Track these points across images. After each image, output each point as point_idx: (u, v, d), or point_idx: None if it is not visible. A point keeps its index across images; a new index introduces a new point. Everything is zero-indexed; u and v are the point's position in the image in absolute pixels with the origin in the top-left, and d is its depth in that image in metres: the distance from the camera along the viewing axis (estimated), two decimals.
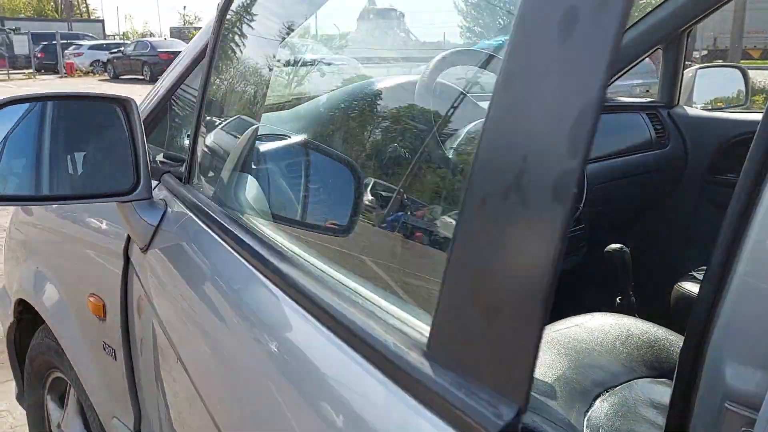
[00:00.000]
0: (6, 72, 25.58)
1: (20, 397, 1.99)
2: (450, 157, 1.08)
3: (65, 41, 27.44)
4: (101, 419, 1.40)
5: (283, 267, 0.79)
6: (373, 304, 0.68)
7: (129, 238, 1.24)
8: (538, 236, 0.45)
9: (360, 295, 0.71)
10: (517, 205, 0.46)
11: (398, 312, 0.66)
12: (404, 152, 1.05)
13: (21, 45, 28.47)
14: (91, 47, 27.76)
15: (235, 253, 0.90)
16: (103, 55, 26.43)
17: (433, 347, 0.54)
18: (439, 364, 0.53)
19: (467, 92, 1.23)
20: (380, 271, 0.87)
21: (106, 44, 29.07)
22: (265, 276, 0.81)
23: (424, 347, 0.55)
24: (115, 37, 49.93)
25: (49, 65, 26.45)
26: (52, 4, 61.84)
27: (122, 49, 25.55)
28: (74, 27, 38.83)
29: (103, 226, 1.38)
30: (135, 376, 1.26)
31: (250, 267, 0.85)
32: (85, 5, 62.89)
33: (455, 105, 1.19)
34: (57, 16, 54.03)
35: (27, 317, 1.81)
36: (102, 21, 46.83)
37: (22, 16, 49.68)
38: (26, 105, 1.16)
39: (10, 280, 1.87)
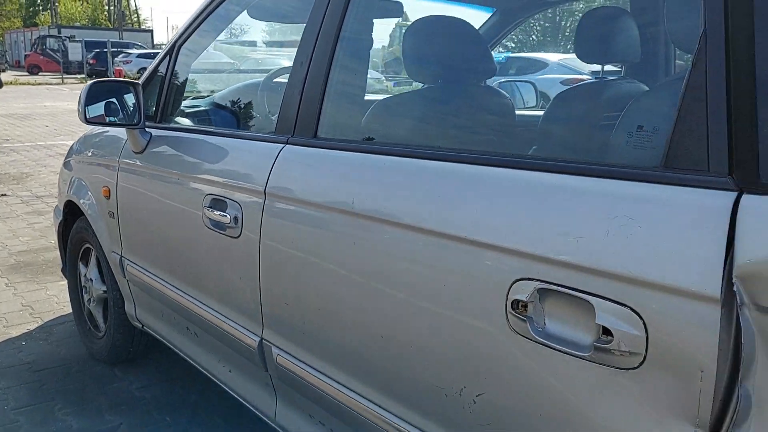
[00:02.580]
0: (60, 76, 27.61)
1: (64, 270, 3.16)
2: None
3: (116, 49, 29.36)
4: (105, 254, 2.56)
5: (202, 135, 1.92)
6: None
7: (119, 153, 2.38)
8: None
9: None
10: None
11: None
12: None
13: (75, 52, 30.58)
14: (140, 55, 29.62)
15: (177, 135, 2.04)
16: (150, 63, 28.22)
17: None
18: None
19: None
20: None
21: (154, 53, 30.97)
22: (195, 135, 1.95)
23: None
24: (163, 46, 52.05)
25: (100, 71, 28.36)
26: (105, 14, 64.88)
27: None
28: (125, 36, 41.01)
29: (106, 152, 2.53)
30: (121, 227, 2.41)
31: (188, 139, 1.99)
32: (136, 15, 65.85)
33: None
34: (110, 25, 56.73)
35: (70, 218, 2.98)
36: (151, 31, 49.21)
37: (78, 24, 52.42)
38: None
39: (61, 195, 3.04)
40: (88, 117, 2.24)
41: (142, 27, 62.77)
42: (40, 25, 50.49)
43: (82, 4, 64.69)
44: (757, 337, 0.83)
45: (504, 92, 1.83)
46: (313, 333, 1.54)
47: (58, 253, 3.23)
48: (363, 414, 1.42)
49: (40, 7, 66.47)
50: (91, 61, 29.50)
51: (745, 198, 0.85)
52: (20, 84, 25.18)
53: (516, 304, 1.06)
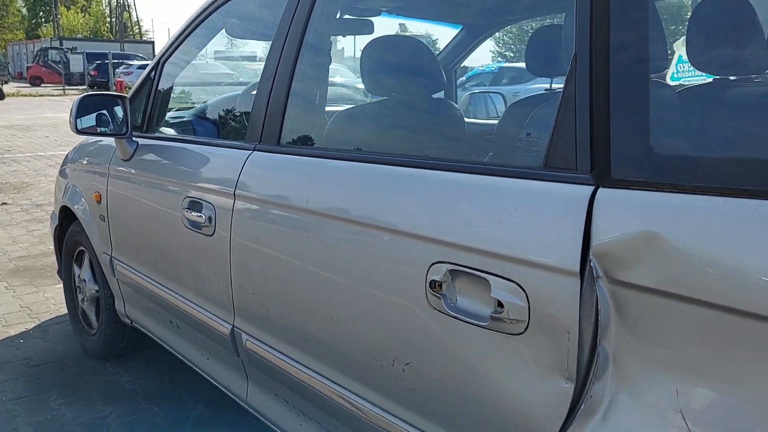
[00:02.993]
0: (62, 88, 27.90)
1: (59, 271, 3.36)
2: None
3: (117, 61, 29.66)
4: (97, 255, 2.75)
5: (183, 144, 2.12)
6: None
7: (109, 161, 2.58)
8: None
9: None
10: None
11: None
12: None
13: (76, 63, 30.92)
14: (140, 66, 29.89)
15: (161, 143, 2.24)
16: None
17: None
18: None
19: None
20: None
21: None
22: (177, 143, 2.15)
23: None
24: None
25: (101, 82, 28.65)
26: (107, 25, 65.44)
27: None
28: (126, 47, 41.40)
29: (98, 160, 2.73)
30: (110, 229, 2.60)
31: (171, 147, 2.19)
32: (138, 27, 66.40)
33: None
34: (112, 36, 57.25)
35: (65, 223, 3.17)
36: (152, 42, 49.60)
37: (80, 36, 52.88)
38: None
39: (57, 201, 3.24)
40: (78, 128, 2.44)
41: (144, 38, 63.25)
42: (43, 37, 50.98)
43: (84, 16, 65.29)
44: (611, 304, 1.02)
45: (452, 103, 2.02)
46: (276, 319, 1.73)
47: (55, 258, 3.43)
48: (318, 389, 1.61)
49: (43, 19, 67.10)
50: (92, 73, 29.81)
51: (600, 191, 1.04)
52: (22, 95, 25.47)
53: (433, 284, 1.25)
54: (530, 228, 1.11)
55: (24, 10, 68.82)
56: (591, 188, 1.05)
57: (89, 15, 67.11)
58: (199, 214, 1.96)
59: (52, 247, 3.80)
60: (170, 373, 2.90)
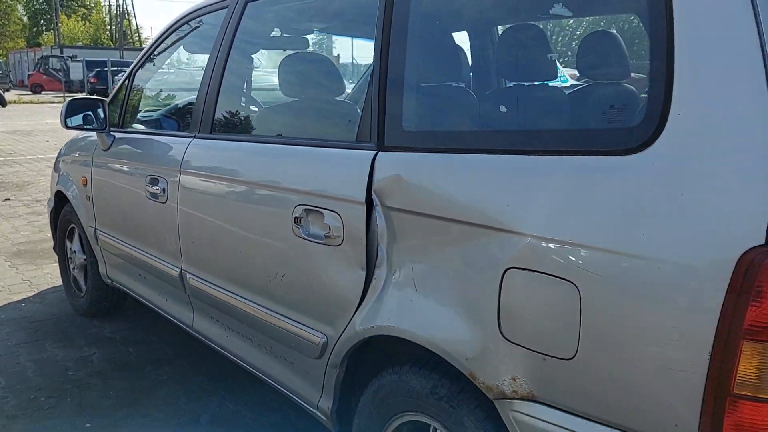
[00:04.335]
0: (62, 95, 28.59)
1: (55, 248, 4.01)
2: None
3: (116, 68, 30.30)
4: (84, 229, 3.40)
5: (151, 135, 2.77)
6: None
7: (93, 151, 3.23)
8: None
9: None
10: None
11: None
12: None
13: (76, 71, 31.65)
14: None
15: (132, 136, 2.89)
16: None
17: None
18: None
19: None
20: None
21: None
22: (144, 135, 2.80)
23: None
24: None
25: (100, 89, 29.26)
26: (108, 33, 66.26)
27: None
28: (126, 55, 42.05)
29: (84, 151, 3.38)
30: (94, 206, 3.25)
31: (139, 139, 2.84)
32: (137, 35, 67.22)
33: None
34: (111, 44, 58.02)
35: (59, 206, 3.82)
36: None
37: (80, 44, 53.65)
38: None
39: (52, 188, 3.88)
40: (68, 125, 3.09)
41: (143, 46, 63.96)
42: (43, 45, 51.79)
43: (84, 24, 66.15)
44: (384, 220, 1.66)
45: (345, 101, 2.66)
46: (208, 259, 2.38)
47: (53, 244, 4.07)
48: (234, 305, 2.25)
49: (44, 27, 67.99)
50: (92, 80, 30.49)
51: (379, 154, 1.69)
52: (23, 102, 26.20)
53: (296, 220, 1.90)
54: (343, 178, 1.76)
55: (25, 19, 69.72)
56: (374, 152, 1.70)
57: (90, 23, 68.00)
58: (157, 187, 2.61)
59: (50, 235, 4.44)
60: (144, 327, 3.55)
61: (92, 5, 73.44)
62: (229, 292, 2.27)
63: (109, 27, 66.68)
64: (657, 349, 1.15)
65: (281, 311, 2.02)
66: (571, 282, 1.24)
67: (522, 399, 1.35)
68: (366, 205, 1.68)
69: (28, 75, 40.34)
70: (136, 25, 69.56)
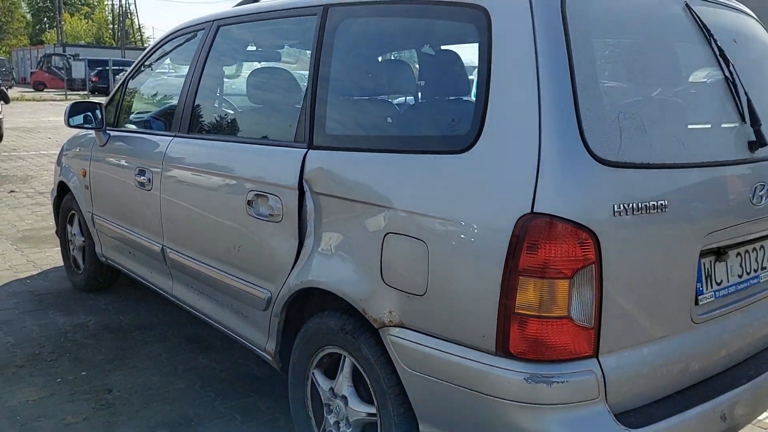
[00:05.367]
0: (64, 93, 29.13)
1: (57, 232, 4.54)
2: None
3: (117, 67, 30.87)
4: (83, 212, 3.94)
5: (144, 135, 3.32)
6: None
7: (91, 147, 3.77)
8: None
9: None
10: None
11: None
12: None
13: (78, 70, 32.18)
14: None
15: (125, 134, 3.43)
16: None
17: None
18: None
19: None
20: None
21: None
22: (134, 134, 3.35)
23: None
24: None
25: (102, 88, 29.84)
26: (110, 32, 66.87)
27: None
28: (128, 54, 42.55)
29: (84, 147, 3.92)
30: (92, 194, 3.79)
31: (130, 136, 3.38)
32: (140, 34, 67.84)
33: None
34: (114, 43, 58.60)
35: (61, 195, 4.36)
36: None
37: (83, 43, 54.20)
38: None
39: (55, 180, 4.42)
40: (70, 124, 3.63)
41: (145, 45, 64.62)
42: (46, 43, 52.36)
43: (87, 23, 66.82)
44: (312, 202, 2.19)
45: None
46: (183, 235, 2.91)
47: (55, 229, 4.61)
48: (204, 271, 2.78)
49: (47, 25, 68.61)
50: (93, 79, 31.06)
51: (309, 151, 2.23)
52: (26, 100, 26.73)
53: (249, 202, 2.43)
54: (283, 170, 2.29)
55: (28, 16, 70.39)
56: (305, 150, 2.24)
57: (92, 21, 68.68)
58: (144, 177, 3.15)
59: (52, 223, 4.96)
60: (134, 300, 4.08)
61: (95, 4, 74.15)
62: (200, 261, 2.80)
63: (111, 26, 67.31)
64: (472, 284, 1.69)
65: (238, 274, 2.56)
66: (423, 241, 1.78)
67: (395, 326, 1.89)
68: (299, 191, 2.22)
69: (31, 73, 40.90)
70: (138, 25, 70.15)
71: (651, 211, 1.65)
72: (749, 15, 2.36)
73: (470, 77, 2.12)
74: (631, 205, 1.62)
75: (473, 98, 1.76)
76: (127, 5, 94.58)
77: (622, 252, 1.64)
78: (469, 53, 1.90)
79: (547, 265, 1.58)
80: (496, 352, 1.66)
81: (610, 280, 1.62)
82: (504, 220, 1.62)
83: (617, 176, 1.63)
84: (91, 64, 32.19)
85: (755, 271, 2.06)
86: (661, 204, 1.67)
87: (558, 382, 1.61)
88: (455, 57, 2.12)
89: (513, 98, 1.68)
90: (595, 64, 1.71)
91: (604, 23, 1.80)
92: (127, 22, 60.99)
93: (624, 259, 1.65)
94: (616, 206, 1.60)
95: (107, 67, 29.97)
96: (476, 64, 1.76)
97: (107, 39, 64.69)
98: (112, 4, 74.24)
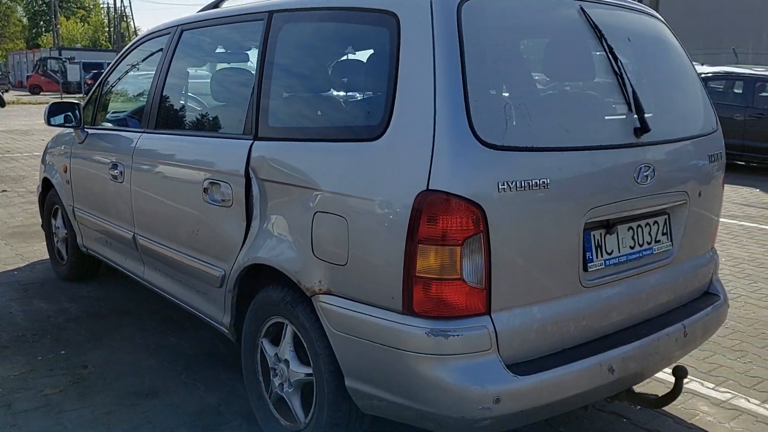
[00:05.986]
0: (60, 96, 29.34)
1: (42, 225, 4.80)
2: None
3: None
4: (65, 206, 4.20)
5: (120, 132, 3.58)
6: None
7: (72, 144, 4.03)
8: None
9: None
10: None
11: None
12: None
13: (74, 72, 32.40)
14: None
15: (101, 132, 3.69)
16: None
17: None
18: None
19: None
20: None
21: None
22: (110, 131, 3.61)
23: None
24: None
25: None
26: (106, 35, 67.03)
27: None
28: None
29: (65, 144, 4.18)
30: (73, 188, 4.04)
31: (106, 134, 3.65)
32: (135, 37, 67.99)
33: None
34: (110, 46, 58.77)
35: (45, 191, 4.61)
36: None
37: (78, 46, 54.38)
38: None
39: (40, 176, 4.67)
40: (50, 123, 3.89)
41: None
42: (42, 47, 52.57)
43: (83, 26, 66.98)
44: (258, 188, 2.45)
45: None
46: (150, 223, 3.17)
47: (41, 225, 4.87)
48: (169, 255, 3.04)
49: (43, 29, 68.76)
50: (89, 81, 31.25)
51: (255, 142, 2.49)
52: (22, 103, 26.96)
53: (205, 190, 2.69)
54: (232, 159, 2.55)
55: (24, 20, 70.55)
56: (251, 141, 2.49)
57: (88, 25, 68.85)
58: (117, 171, 3.41)
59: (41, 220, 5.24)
60: (114, 288, 4.34)
61: (91, 7, 74.30)
62: (166, 246, 3.07)
63: (107, 29, 67.47)
64: (382, 253, 1.95)
65: (197, 256, 2.82)
66: (343, 217, 2.04)
67: (324, 293, 2.15)
68: (246, 178, 2.48)
69: (27, 76, 41.06)
70: (134, 27, 70.29)
71: (533, 188, 1.92)
72: (653, 16, 2.62)
73: (383, 75, 2.37)
74: (514, 182, 1.88)
75: (384, 93, 2.02)
76: (123, 8, 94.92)
77: (508, 223, 1.90)
78: (384, 53, 2.15)
79: (440, 235, 1.84)
80: (402, 311, 1.92)
81: (498, 248, 1.89)
82: (405, 196, 1.88)
83: (502, 158, 1.89)
84: (87, 67, 32.47)
85: (648, 243, 2.32)
86: (543, 182, 1.93)
87: (454, 336, 1.87)
88: (372, 56, 2.38)
89: (414, 92, 1.94)
90: (486, 61, 1.97)
91: (498, 26, 2.06)
92: (123, 25, 61.14)
93: (509, 230, 1.91)
94: (500, 183, 1.87)
95: (102, 70, 30.13)
96: (389, 62, 2.03)
97: (103, 42, 64.83)
98: (108, 7, 74.44)
